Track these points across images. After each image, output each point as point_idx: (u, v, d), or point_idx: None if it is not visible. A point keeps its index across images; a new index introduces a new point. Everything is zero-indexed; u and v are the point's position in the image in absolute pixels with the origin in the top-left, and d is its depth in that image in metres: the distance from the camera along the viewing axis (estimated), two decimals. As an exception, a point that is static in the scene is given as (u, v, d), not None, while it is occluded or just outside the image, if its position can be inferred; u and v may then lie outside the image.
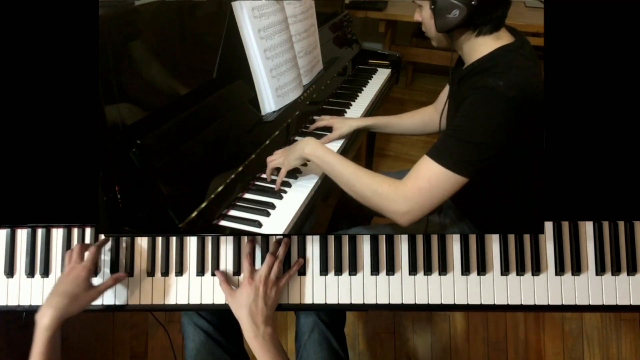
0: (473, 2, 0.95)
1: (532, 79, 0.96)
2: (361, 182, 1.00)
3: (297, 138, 1.40)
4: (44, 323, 0.97)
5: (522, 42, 1.02)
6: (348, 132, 1.39)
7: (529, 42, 1.04)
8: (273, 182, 1.18)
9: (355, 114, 1.57)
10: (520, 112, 0.93)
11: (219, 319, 1.22)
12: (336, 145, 1.37)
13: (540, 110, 0.99)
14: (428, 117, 1.40)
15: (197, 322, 1.20)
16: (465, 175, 0.94)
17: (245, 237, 1.14)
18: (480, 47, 1.01)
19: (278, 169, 1.17)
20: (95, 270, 1.11)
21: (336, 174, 1.05)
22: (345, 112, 1.57)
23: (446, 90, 1.31)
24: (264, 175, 1.22)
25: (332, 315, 1.24)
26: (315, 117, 1.49)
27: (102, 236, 1.14)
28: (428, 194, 0.95)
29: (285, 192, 1.16)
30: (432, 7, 0.99)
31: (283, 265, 1.11)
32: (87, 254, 1.08)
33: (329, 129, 1.41)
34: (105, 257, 1.14)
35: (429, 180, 0.94)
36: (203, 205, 1.05)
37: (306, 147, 1.10)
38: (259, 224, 1.06)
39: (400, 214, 0.97)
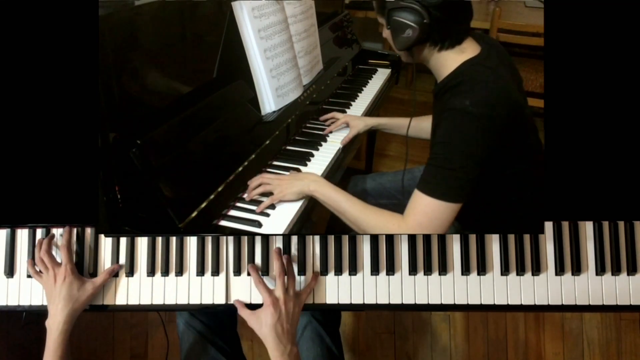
0: (425, 21, 0.95)
1: (499, 91, 0.96)
2: (368, 221, 1.01)
3: (298, 138, 1.40)
4: (56, 328, 1.01)
5: (489, 51, 1.01)
6: (364, 130, 1.40)
7: (496, 47, 1.04)
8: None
9: (356, 114, 1.57)
10: (491, 126, 0.94)
11: (215, 321, 1.22)
12: (337, 145, 1.37)
13: (517, 114, 0.99)
14: None
15: (192, 323, 1.21)
16: (457, 202, 0.95)
17: (245, 242, 1.14)
18: (446, 61, 1.01)
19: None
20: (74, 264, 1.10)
21: (342, 212, 1.05)
22: (345, 112, 1.57)
23: None
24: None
25: (326, 313, 1.24)
26: (316, 117, 1.49)
27: (54, 230, 1.13)
28: (430, 227, 0.96)
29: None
30: (388, 27, 1.00)
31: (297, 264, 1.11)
32: (62, 254, 1.09)
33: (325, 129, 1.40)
34: (105, 257, 1.14)
35: (425, 215, 0.96)
36: (203, 205, 1.05)
37: (311, 184, 1.08)
38: (259, 224, 1.06)
39: None
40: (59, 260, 1.10)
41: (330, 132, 1.42)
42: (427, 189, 0.95)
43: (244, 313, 1.07)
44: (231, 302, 1.11)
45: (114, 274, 1.13)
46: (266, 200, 1.09)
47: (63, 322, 1.02)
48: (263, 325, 1.02)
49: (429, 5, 0.94)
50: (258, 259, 1.13)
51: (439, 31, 0.98)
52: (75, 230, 1.14)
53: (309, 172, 1.14)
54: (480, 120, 0.93)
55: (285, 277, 1.06)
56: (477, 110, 0.93)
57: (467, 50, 1.01)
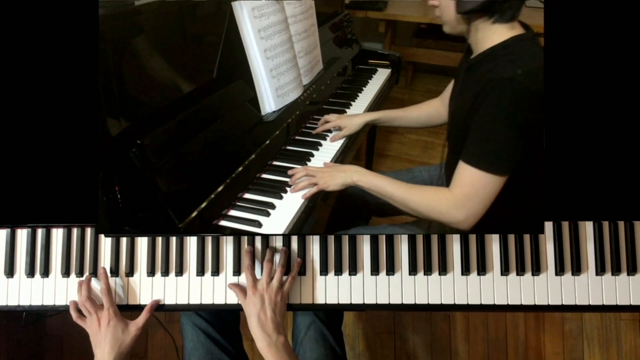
0: None
1: (544, 71, 0.96)
2: (414, 200, 1.02)
3: (298, 138, 1.40)
4: None
5: (534, 34, 1.02)
6: (357, 129, 1.39)
7: (540, 36, 1.04)
8: (273, 182, 1.17)
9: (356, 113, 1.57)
10: (537, 101, 0.93)
11: (218, 319, 1.22)
12: (337, 145, 1.37)
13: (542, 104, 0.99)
14: (434, 109, 1.40)
15: (195, 322, 1.20)
16: (503, 174, 0.95)
17: (245, 242, 1.14)
18: (493, 34, 1.00)
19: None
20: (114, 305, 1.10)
21: (389, 196, 1.06)
22: (345, 112, 1.57)
23: (452, 85, 1.31)
24: (264, 176, 1.22)
25: (329, 313, 1.24)
26: (316, 117, 1.49)
27: (101, 269, 1.13)
28: (477, 198, 0.97)
29: (285, 192, 1.16)
30: None
31: (285, 269, 1.11)
32: (103, 299, 1.09)
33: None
34: (106, 257, 1.14)
35: (472, 185, 0.96)
36: (203, 205, 1.05)
37: (354, 174, 1.09)
38: (259, 224, 1.06)
39: (458, 222, 0.99)
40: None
41: (318, 133, 1.42)
42: (473, 161, 0.95)
43: (241, 299, 1.08)
44: (231, 302, 1.12)
45: (114, 272, 1.13)
46: (311, 189, 1.11)
47: None
48: (247, 316, 1.04)
49: None
50: (259, 269, 1.13)
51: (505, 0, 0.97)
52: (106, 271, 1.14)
53: (349, 164, 1.16)
54: (530, 92, 0.92)
55: (275, 268, 1.08)
56: (527, 80, 0.92)
57: (516, 29, 1.01)
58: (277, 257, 1.12)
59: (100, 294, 1.10)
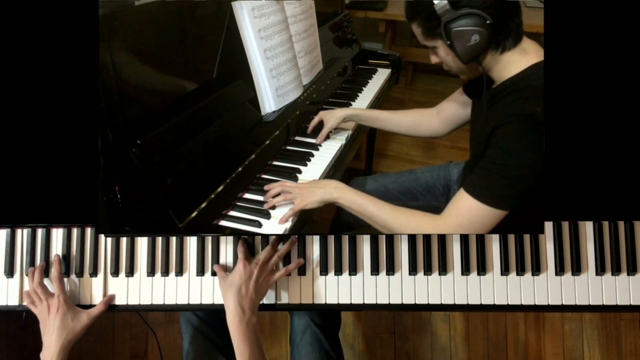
0: (488, 22, 0.92)
1: (544, 69, 0.94)
2: (399, 222, 0.98)
3: (298, 138, 1.40)
4: (51, 359, 1.01)
5: None
6: (337, 123, 1.38)
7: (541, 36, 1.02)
8: (273, 182, 1.17)
9: (355, 114, 1.57)
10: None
11: (217, 320, 1.22)
12: (337, 145, 1.37)
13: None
14: (423, 119, 1.37)
15: (193, 322, 1.20)
16: (506, 209, 0.92)
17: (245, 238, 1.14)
18: (508, 64, 0.97)
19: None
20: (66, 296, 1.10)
21: (370, 216, 1.01)
22: (345, 112, 1.57)
23: (455, 97, 1.29)
24: (264, 176, 1.22)
25: (325, 317, 1.24)
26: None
27: (55, 256, 1.13)
28: (470, 229, 0.94)
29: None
30: (448, 42, 0.95)
31: (283, 262, 1.11)
32: (54, 285, 1.09)
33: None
34: (106, 257, 1.14)
35: (469, 217, 0.93)
36: (203, 205, 1.05)
37: (334, 191, 1.04)
38: (259, 224, 1.06)
39: None
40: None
41: (311, 132, 1.41)
42: (476, 193, 0.92)
43: (219, 275, 1.08)
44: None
45: (114, 272, 1.13)
46: (288, 212, 1.06)
47: (57, 352, 1.02)
48: (227, 285, 1.02)
49: (483, 7, 0.91)
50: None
51: (500, 30, 0.94)
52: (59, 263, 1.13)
53: (329, 180, 1.11)
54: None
55: (276, 254, 1.08)
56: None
57: (530, 52, 0.97)
58: (283, 247, 1.11)
59: (52, 281, 1.10)
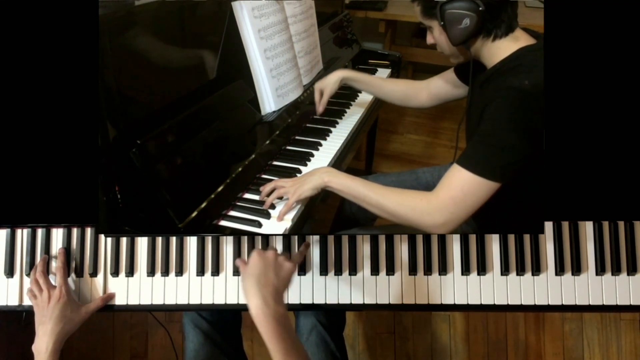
0: (481, 8, 0.95)
1: (544, 69, 0.96)
2: (392, 201, 0.98)
3: (298, 138, 1.40)
4: (45, 349, 1.00)
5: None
6: (335, 87, 1.40)
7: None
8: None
9: (355, 114, 1.57)
10: (541, 110, 0.93)
11: (219, 321, 1.21)
12: (337, 145, 1.37)
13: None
14: (413, 91, 1.40)
15: (197, 322, 1.20)
16: (498, 181, 0.93)
17: (245, 242, 1.14)
18: (499, 50, 1.01)
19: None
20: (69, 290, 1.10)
21: (362, 198, 1.01)
22: (345, 112, 1.57)
23: (445, 75, 1.32)
24: (264, 176, 1.22)
25: (331, 318, 1.23)
26: (316, 117, 1.49)
27: (60, 249, 1.14)
28: (463, 203, 0.93)
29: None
30: (442, 23, 0.99)
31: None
32: (57, 275, 1.09)
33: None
34: (106, 257, 1.14)
35: (462, 189, 0.93)
36: (203, 205, 1.05)
37: (325, 175, 1.04)
38: (259, 224, 1.06)
39: (437, 226, 0.95)
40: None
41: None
42: (468, 164, 0.93)
43: (242, 270, 0.95)
44: (231, 302, 1.11)
45: (114, 272, 1.13)
46: (284, 206, 1.06)
47: (53, 342, 1.00)
48: (245, 277, 0.91)
49: None
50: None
51: (493, 18, 0.97)
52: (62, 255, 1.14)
53: (319, 167, 1.11)
54: (537, 102, 0.91)
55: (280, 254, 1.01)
56: (535, 91, 0.91)
57: (521, 39, 1.01)
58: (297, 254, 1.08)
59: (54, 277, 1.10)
